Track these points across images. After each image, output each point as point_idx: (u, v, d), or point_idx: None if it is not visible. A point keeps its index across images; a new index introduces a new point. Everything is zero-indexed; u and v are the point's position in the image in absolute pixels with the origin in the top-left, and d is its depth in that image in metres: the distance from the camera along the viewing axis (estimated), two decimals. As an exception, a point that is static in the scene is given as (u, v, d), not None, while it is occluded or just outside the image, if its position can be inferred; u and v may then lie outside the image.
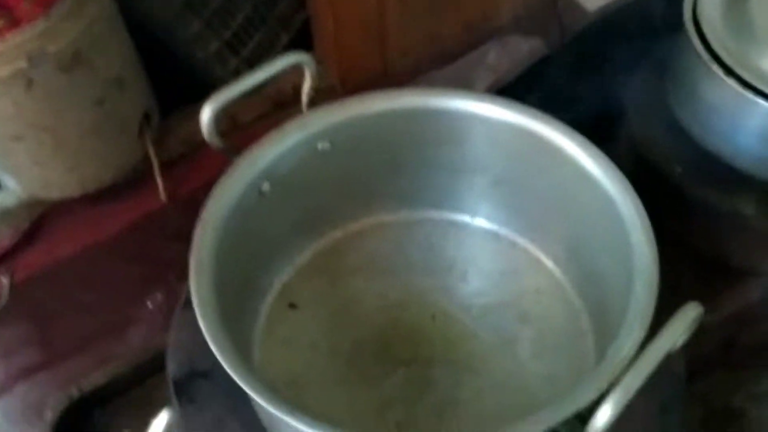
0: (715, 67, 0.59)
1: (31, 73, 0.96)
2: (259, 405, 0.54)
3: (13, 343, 0.98)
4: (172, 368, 0.62)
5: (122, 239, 1.12)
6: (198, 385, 0.61)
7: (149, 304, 1.01)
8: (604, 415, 0.42)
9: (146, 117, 1.12)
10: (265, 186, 0.61)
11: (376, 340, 0.65)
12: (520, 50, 1.13)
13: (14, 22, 0.94)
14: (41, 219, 1.14)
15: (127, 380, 0.87)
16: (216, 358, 0.53)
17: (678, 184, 0.64)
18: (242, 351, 0.60)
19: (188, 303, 0.65)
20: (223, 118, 1.16)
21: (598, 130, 0.75)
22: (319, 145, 0.63)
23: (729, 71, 0.59)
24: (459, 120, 0.62)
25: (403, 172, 0.68)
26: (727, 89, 0.59)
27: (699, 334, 0.68)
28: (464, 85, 1.12)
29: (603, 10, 0.70)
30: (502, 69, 1.12)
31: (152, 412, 0.86)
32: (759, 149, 0.61)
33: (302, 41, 1.16)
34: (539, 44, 1.14)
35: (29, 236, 1.11)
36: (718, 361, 0.77)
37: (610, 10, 0.69)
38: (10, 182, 1.08)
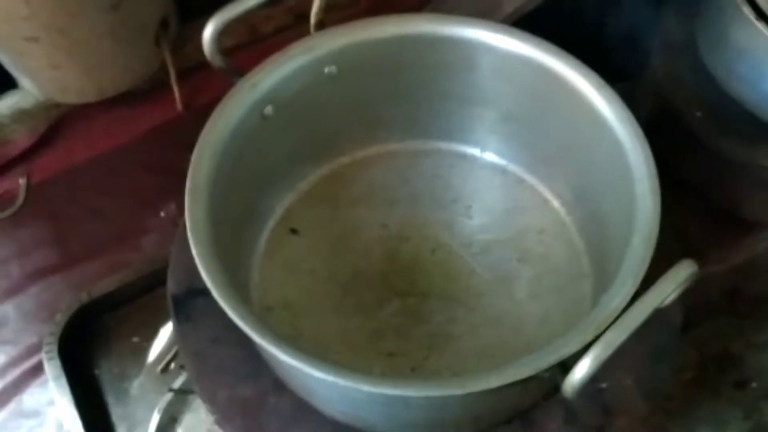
0: (747, 9, 0.55)
1: (44, -28, 0.94)
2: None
3: (29, 244, 1.00)
4: (171, 285, 0.63)
5: (138, 147, 1.12)
6: (195, 303, 0.62)
7: (163, 213, 1.03)
8: (583, 368, 0.41)
9: (164, 23, 1.10)
10: (268, 110, 0.59)
11: (374, 269, 0.65)
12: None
13: None
14: (59, 122, 1.15)
15: (137, 288, 0.89)
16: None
17: (696, 130, 0.62)
18: (239, 273, 0.61)
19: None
20: (242, 29, 1.15)
21: (623, 64, 0.73)
22: (326, 69, 0.61)
23: (761, 14, 0.55)
24: (471, 49, 0.60)
25: (412, 100, 0.66)
26: (757, 33, 0.55)
27: (703, 283, 0.67)
28: (492, 5, 1.07)
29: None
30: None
31: (160, 321, 0.88)
32: (786, 99, 0.58)
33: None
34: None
35: (46, 139, 1.12)
36: (721, 309, 0.77)
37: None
38: (28, 84, 1.08)
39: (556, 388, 0.44)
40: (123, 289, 0.88)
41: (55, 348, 0.79)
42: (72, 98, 1.10)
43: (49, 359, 0.79)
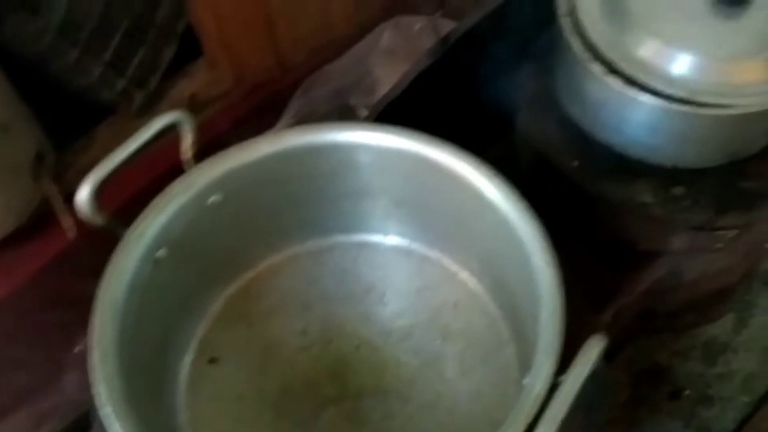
0: (596, 68, 0.58)
1: None
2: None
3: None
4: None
5: (37, 285, 1.08)
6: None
7: (77, 348, 0.99)
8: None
9: (39, 157, 1.07)
10: (161, 253, 0.58)
11: (302, 381, 0.64)
12: (412, 29, 1.11)
13: None
14: (-51, 277, 1.10)
15: (65, 436, 0.85)
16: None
17: (576, 179, 0.64)
18: (165, 418, 0.59)
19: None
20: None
21: (500, 125, 0.75)
22: (210, 200, 0.60)
23: (610, 68, 0.58)
24: (347, 152, 0.61)
25: (304, 204, 0.66)
26: (610, 87, 0.58)
27: (617, 315, 0.70)
28: (362, 74, 1.10)
29: (492, 4, 0.68)
30: (400, 51, 1.10)
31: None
32: (648, 139, 0.61)
33: (189, 50, 1.12)
34: (429, 23, 1.12)
35: (-58, 295, 1.06)
36: (640, 330, 0.80)
37: (498, 4, 0.67)
38: None
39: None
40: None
41: None
42: (-43, 251, 1.06)
43: None
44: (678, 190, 0.63)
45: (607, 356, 0.73)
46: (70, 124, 1.10)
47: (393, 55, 1.09)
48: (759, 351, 0.83)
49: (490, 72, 0.70)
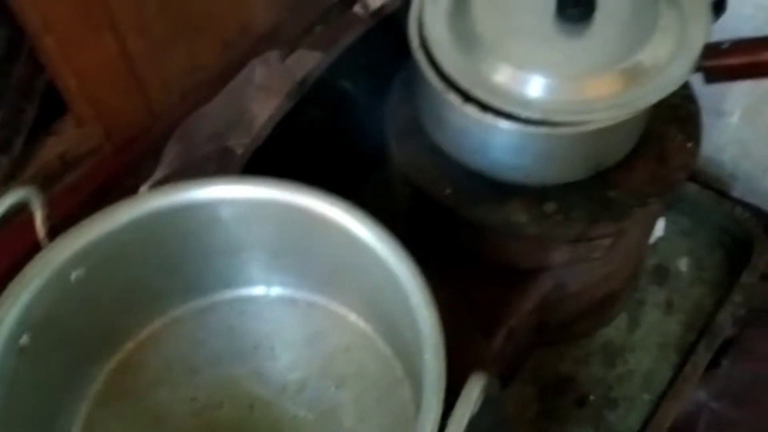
0: (452, 97, 0.58)
1: None
2: None
3: None
4: None
5: None
6: None
7: None
8: None
9: None
10: (24, 340, 0.54)
11: (196, 450, 0.61)
12: (283, 63, 1.10)
13: None
14: None
15: None
16: None
17: (451, 205, 0.64)
18: None
19: None
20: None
21: (371, 160, 0.75)
22: (73, 276, 0.57)
23: (466, 97, 0.58)
24: (212, 208, 0.59)
25: (178, 266, 0.63)
26: (468, 115, 0.58)
27: (511, 333, 0.70)
28: (238, 112, 1.07)
29: (344, 42, 0.67)
30: (274, 86, 1.08)
31: None
32: (513, 161, 0.62)
33: (54, 107, 1.07)
34: (299, 56, 1.11)
35: None
36: (536, 343, 0.80)
37: (352, 41, 0.67)
38: None
39: None
40: None
41: None
42: None
43: None
44: (549, 207, 0.64)
45: (504, 381, 0.73)
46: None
47: (268, 91, 1.07)
48: (654, 348, 0.85)
49: (355, 107, 0.69)
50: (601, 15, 0.60)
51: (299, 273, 0.65)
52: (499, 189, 0.64)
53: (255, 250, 0.63)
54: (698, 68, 0.57)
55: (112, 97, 1.07)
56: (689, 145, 0.66)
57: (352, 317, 0.65)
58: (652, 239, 0.91)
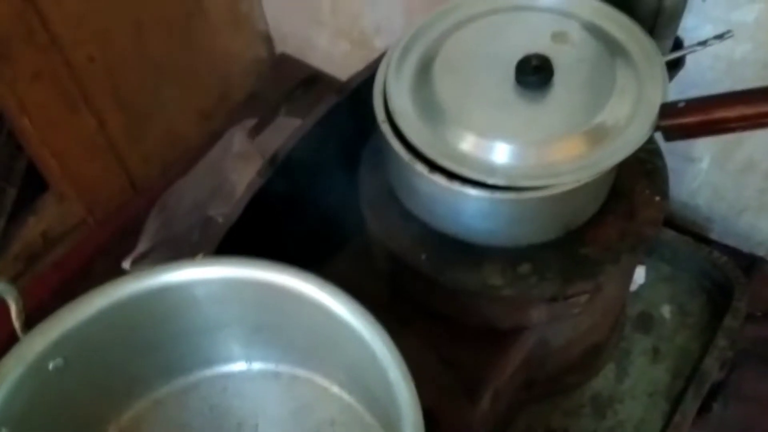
0: (419, 167, 0.59)
1: None
2: None
3: None
4: None
5: None
6: None
7: None
8: None
9: None
10: (1, 435, 0.54)
11: None
12: (261, 131, 1.11)
13: None
14: None
15: None
16: None
17: (427, 271, 0.65)
18: None
19: None
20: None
21: (348, 229, 0.75)
22: (50, 365, 0.57)
23: (433, 166, 0.59)
24: (186, 290, 0.59)
25: (157, 348, 0.63)
26: (436, 183, 0.59)
27: (496, 396, 0.69)
28: (219, 181, 1.08)
29: (313, 117, 0.68)
30: (253, 154, 1.10)
31: None
32: (485, 225, 0.62)
33: (35, 186, 1.07)
34: (277, 123, 1.13)
35: None
36: (525, 400, 0.80)
37: (320, 116, 0.68)
38: None
39: None
40: None
41: None
42: None
43: None
44: (524, 268, 0.64)
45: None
46: None
47: (247, 159, 1.08)
48: (644, 397, 0.85)
49: (328, 178, 0.70)
50: (559, 80, 0.62)
51: (280, 347, 0.65)
52: (473, 252, 0.64)
53: (233, 327, 0.63)
54: (657, 128, 0.59)
55: (92, 172, 1.08)
56: (657, 199, 0.67)
57: (335, 389, 0.65)
58: (634, 287, 0.91)
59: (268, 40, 1.24)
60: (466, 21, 0.67)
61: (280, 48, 1.23)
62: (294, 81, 1.18)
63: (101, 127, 1.04)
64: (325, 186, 0.70)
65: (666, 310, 0.90)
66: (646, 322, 0.89)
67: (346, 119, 0.69)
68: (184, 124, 1.16)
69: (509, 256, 0.64)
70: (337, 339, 0.57)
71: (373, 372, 0.54)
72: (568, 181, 0.58)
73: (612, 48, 0.64)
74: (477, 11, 0.68)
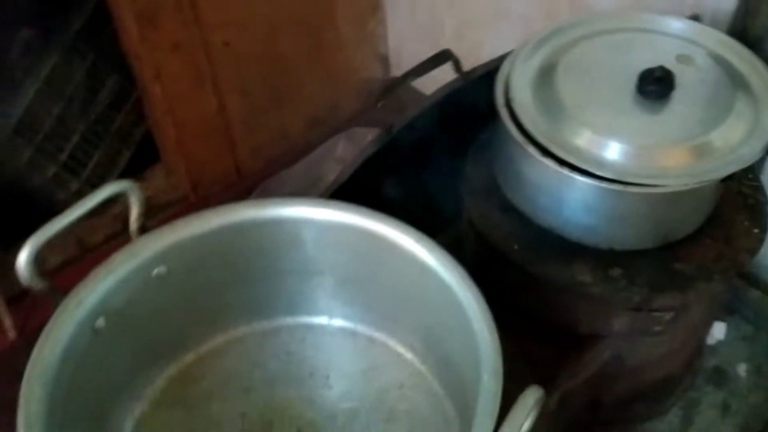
0: (531, 149, 0.62)
1: None
2: None
3: None
4: None
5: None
6: None
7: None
8: None
9: (-19, 255, 1.05)
10: (100, 323, 0.57)
11: (241, 465, 0.62)
12: (365, 140, 1.16)
13: None
14: None
15: None
16: None
17: (518, 261, 0.66)
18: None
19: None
20: (68, 243, 1.11)
21: (446, 213, 0.78)
22: (155, 272, 0.60)
23: (545, 151, 0.61)
24: (294, 226, 0.62)
25: (251, 282, 0.66)
26: (545, 168, 0.61)
27: (563, 401, 0.69)
28: (315, 179, 1.13)
29: (434, 97, 0.72)
30: (350, 160, 1.14)
31: None
32: (585, 220, 0.64)
33: (147, 154, 1.14)
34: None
35: None
36: (589, 422, 0.79)
37: (441, 97, 0.72)
38: None
39: None
40: None
41: None
42: None
43: None
44: (615, 272, 0.65)
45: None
46: (19, 225, 1.10)
47: (345, 164, 1.13)
48: (707, 448, 0.82)
49: (435, 161, 0.73)
50: (678, 95, 0.64)
51: (363, 307, 0.67)
52: (567, 249, 0.66)
53: (325, 276, 0.66)
54: (768, 153, 0.60)
55: (204, 151, 1.15)
56: (756, 231, 0.68)
57: (409, 355, 0.66)
58: (712, 341, 0.90)
59: (385, 61, 1.30)
60: (594, 34, 0.71)
61: (395, 72, 1.29)
62: (402, 103, 1.23)
63: (221, 109, 1.11)
64: (430, 168, 0.73)
65: (742, 369, 0.88)
66: (720, 377, 0.88)
67: (463, 106, 0.72)
68: (295, 126, 1.22)
69: (602, 258, 0.65)
70: (425, 292, 0.59)
71: (456, 327, 0.56)
72: (674, 184, 0.59)
73: (733, 76, 0.66)
74: (606, 27, 0.71)
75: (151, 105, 1.08)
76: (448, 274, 0.56)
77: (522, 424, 0.44)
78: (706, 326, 0.82)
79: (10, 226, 1.08)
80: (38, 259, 0.56)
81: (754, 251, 0.66)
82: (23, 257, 0.55)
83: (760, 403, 0.85)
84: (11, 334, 1.06)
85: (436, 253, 0.57)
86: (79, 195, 1.09)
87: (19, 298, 1.07)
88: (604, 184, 0.60)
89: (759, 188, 0.71)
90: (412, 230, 0.59)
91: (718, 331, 0.90)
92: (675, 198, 0.61)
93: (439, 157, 0.74)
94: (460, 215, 0.75)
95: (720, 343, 0.90)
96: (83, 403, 0.56)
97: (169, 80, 1.04)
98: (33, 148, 1.03)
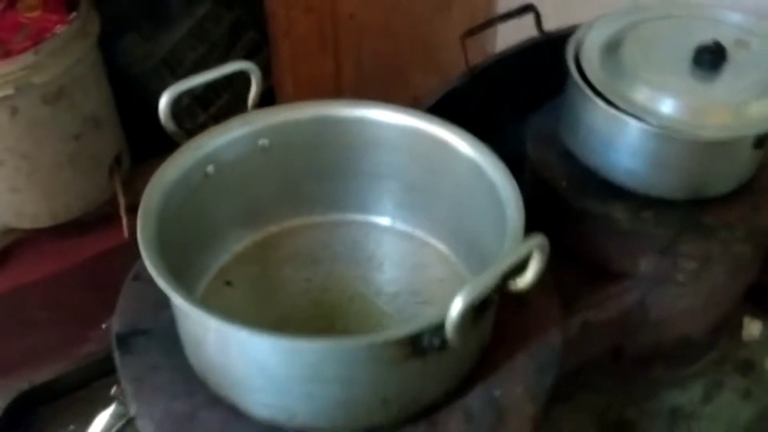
0: (590, 93, 0.72)
1: (17, 101, 1.08)
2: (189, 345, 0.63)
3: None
4: (116, 326, 0.70)
5: (85, 269, 1.21)
6: (137, 340, 0.69)
7: (104, 325, 1.09)
8: (456, 306, 0.51)
9: (117, 159, 1.24)
10: (210, 169, 0.71)
11: (299, 314, 0.73)
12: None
13: (5, 53, 1.07)
14: (10, 247, 1.23)
15: (75, 379, 0.92)
16: (156, 319, 0.66)
17: (563, 195, 0.76)
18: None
19: (136, 277, 0.74)
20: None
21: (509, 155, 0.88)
22: (260, 141, 0.74)
23: (602, 98, 0.72)
24: (376, 127, 0.74)
25: (331, 179, 0.79)
26: (601, 111, 0.72)
27: (587, 331, 0.77)
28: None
29: (515, 48, 0.84)
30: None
31: (98, 412, 0.92)
32: (628, 163, 0.74)
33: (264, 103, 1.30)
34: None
35: (-3, 264, 1.20)
36: (608, 370, 0.86)
37: (512, 52, 0.83)
38: (-16, 212, 1.17)
39: (444, 343, 0.54)
40: (62, 378, 0.92)
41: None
42: (26, 223, 1.20)
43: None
44: (646, 214, 0.74)
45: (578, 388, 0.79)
46: (149, 143, 1.28)
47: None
48: (722, 425, 0.87)
49: (509, 103, 0.84)
50: (729, 69, 0.73)
51: (422, 212, 0.78)
52: (608, 189, 0.75)
53: (394, 180, 0.78)
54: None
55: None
56: (785, 203, 0.75)
57: (453, 258, 0.77)
58: (747, 338, 0.95)
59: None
60: (665, 17, 0.81)
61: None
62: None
63: (337, 72, 1.26)
64: (500, 115, 0.84)
65: (770, 364, 0.93)
66: (748, 368, 0.92)
67: (541, 60, 0.83)
68: (399, 101, 1.36)
69: (637, 201, 0.75)
70: (473, 192, 0.69)
71: (493, 224, 0.66)
72: (715, 135, 0.69)
73: (782, 64, 0.75)
74: (676, 13, 0.81)
75: (278, 60, 1.24)
76: (494, 173, 0.67)
77: (524, 259, 0.54)
78: (730, 295, 0.87)
79: (145, 145, 1.27)
80: (173, 107, 0.71)
81: (778, 219, 0.74)
82: (163, 102, 0.70)
83: (781, 395, 0.90)
84: (126, 234, 1.23)
85: (486, 155, 0.68)
86: (203, 127, 1.26)
87: (137, 208, 1.24)
88: (652, 129, 0.69)
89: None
90: (471, 138, 0.70)
91: (755, 328, 0.95)
92: (711, 150, 0.70)
93: (512, 98, 0.85)
94: (521, 161, 0.85)
95: (754, 341, 0.95)
96: (185, 232, 0.70)
97: (297, 39, 1.20)
98: (175, 79, 1.21)
